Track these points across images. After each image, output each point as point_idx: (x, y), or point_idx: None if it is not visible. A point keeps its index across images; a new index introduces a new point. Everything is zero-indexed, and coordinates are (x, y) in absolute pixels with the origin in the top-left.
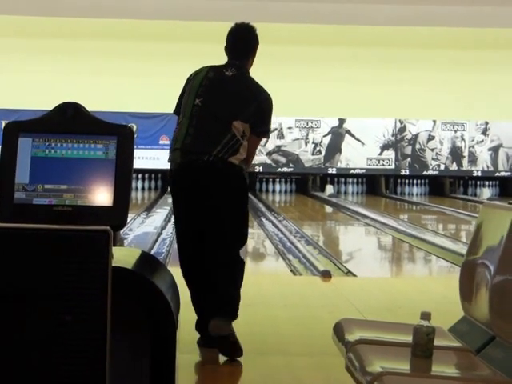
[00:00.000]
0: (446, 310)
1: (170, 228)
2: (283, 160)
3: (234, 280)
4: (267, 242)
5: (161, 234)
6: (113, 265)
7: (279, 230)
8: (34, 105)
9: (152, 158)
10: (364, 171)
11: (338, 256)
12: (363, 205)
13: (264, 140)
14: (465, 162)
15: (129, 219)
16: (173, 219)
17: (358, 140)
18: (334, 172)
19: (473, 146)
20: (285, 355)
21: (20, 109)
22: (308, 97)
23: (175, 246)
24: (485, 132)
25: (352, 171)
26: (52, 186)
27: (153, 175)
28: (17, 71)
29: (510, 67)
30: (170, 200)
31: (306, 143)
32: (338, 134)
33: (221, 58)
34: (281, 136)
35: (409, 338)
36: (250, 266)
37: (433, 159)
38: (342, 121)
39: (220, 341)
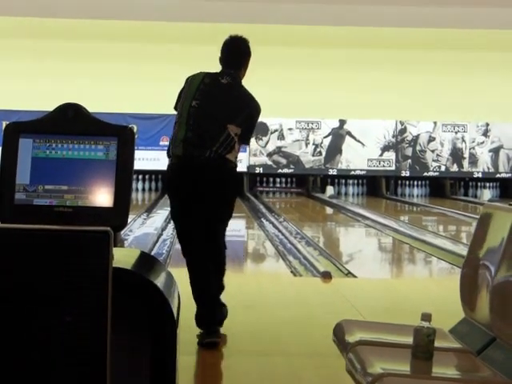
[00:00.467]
0: (446, 312)
1: (171, 229)
2: (284, 161)
3: (220, 277)
4: (267, 243)
5: (161, 234)
6: (113, 265)
7: (279, 231)
8: (34, 106)
9: (152, 159)
10: (364, 172)
11: (339, 257)
12: (364, 206)
13: (264, 141)
14: (465, 163)
15: (129, 220)
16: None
17: (358, 141)
18: (335, 173)
19: (473, 148)
20: (285, 356)
21: (20, 110)
22: (308, 98)
23: (176, 246)
24: (485, 133)
25: (352, 172)
26: (53, 186)
27: (153, 176)
28: (17, 72)
29: (511, 69)
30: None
31: (307, 144)
32: (338, 135)
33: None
34: (281, 137)
35: (409, 340)
36: (250, 267)
37: (433, 160)
38: (342, 122)
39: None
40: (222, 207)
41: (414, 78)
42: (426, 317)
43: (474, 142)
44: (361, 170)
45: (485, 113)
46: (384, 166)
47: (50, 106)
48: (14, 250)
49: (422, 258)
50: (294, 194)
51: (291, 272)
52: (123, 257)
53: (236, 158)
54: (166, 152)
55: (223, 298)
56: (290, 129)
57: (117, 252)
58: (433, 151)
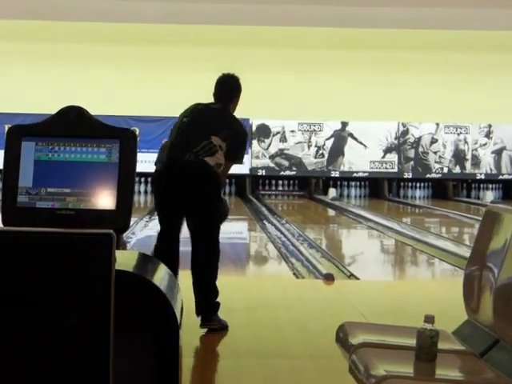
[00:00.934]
0: (449, 313)
1: None
2: (286, 163)
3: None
4: (270, 245)
5: None
6: (116, 268)
7: (282, 233)
8: (36, 109)
9: (154, 161)
10: (367, 174)
11: (341, 259)
12: (366, 208)
13: (266, 143)
14: (468, 164)
15: (132, 223)
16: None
17: (360, 143)
18: (337, 175)
19: (476, 149)
20: (287, 358)
21: (23, 113)
22: (311, 100)
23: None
24: (488, 135)
25: (355, 174)
26: (55, 189)
27: None
28: (19, 75)
29: None
30: None
31: (309, 146)
32: (340, 138)
33: (219, 62)
34: (283, 139)
35: (412, 342)
36: (252, 269)
37: (436, 162)
38: (344, 124)
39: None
40: (203, 205)
41: (416, 79)
42: (429, 319)
43: (476, 143)
44: (363, 171)
45: (487, 114)
46: (386, 167)
47: (53, 109)
48: (17, 253)
49: (424, 260)
50: (296, 197)
51: (293, 274)
52: (126, 259)
53: (218, 165)
54: None
55: (224, 299)
56: (292, 131)
57: (119, 254)
58: (435, 153)
